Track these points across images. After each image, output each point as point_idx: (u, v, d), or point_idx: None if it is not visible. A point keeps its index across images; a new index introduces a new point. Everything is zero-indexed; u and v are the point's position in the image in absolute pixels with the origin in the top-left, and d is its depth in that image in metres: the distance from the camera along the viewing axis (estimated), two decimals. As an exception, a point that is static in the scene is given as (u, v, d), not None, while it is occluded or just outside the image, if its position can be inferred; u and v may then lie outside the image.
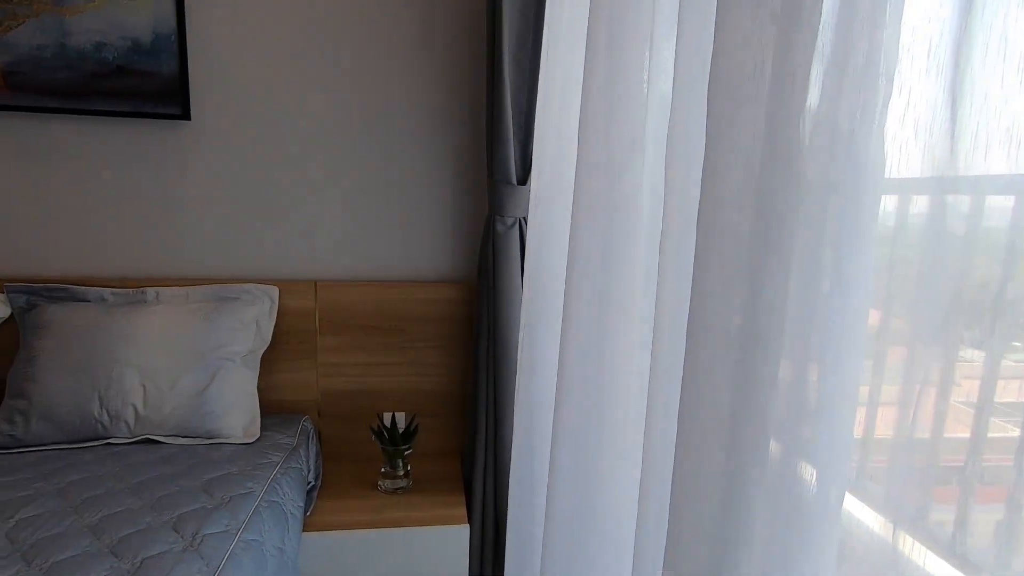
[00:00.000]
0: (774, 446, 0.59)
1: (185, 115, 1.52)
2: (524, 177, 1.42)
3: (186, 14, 1.49)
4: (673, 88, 0.65)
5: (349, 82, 1.59)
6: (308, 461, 1.49)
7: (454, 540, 1.44)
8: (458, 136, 1.65)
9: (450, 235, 1.70)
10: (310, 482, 1.48)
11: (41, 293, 1.50)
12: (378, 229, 1.67)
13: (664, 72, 0.80)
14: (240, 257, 1.63)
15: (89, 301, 1.50)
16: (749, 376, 0.57)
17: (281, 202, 1.62)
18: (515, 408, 1.28)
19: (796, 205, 0.50)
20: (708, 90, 0.54)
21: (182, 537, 1.06)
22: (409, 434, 1.54)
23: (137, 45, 1.48)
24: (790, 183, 0.49)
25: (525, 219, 1.46)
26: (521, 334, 1.25)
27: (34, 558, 0.98)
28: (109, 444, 1.38)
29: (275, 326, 1.59)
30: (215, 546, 1.05)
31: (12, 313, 1.49)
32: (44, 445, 1.36)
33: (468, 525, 1.44)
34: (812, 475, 0.58)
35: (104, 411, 1.37)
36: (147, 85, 1.49)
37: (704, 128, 0.58)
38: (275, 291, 1.60)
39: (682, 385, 0.62)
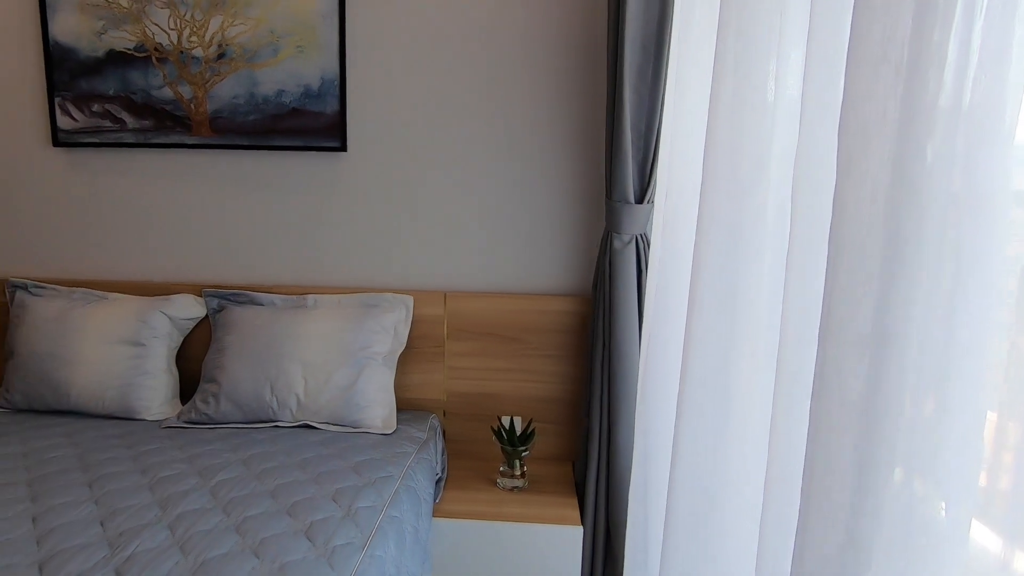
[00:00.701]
0: (900, 467, 0.61)
1: (343, 147, 1.77)
2: (642, 196, 1.49)
3: (347, 64, 1.74)
4: (801, 114, 0.71)
5: (480, 113, 1.76)
6: (436, 455, 1.65)
7: (567, 540, 1.51)
8: (577, 158, 1.76)
9: (567, 251, 1.80)
10: (438, 474, 1.63)
11: (228, 297, 1.81)
12: (502, 245, 1.81)
13: (787, 95, 0.85)
14: (382, 269, 1.85)
15: (263, 305, 1.78)
16: (880, 384, 0.60)
17: (418, 221, 1.82)
18: (636, 417, 1.34)
19: (924, 222, 0.53)
20: (839, 129, 0.59)
21: (340, 507, 1.24)
22: (526, 437, 1.65)
23: (308, 91, 1.76)
24: (918, 202, 0.53)
25: (642, 236, 1.53)
26: (642, 346, 1.31)
27: (231, 512, 1.19)
28: (277, 426, 1.63)
29: (410, 331, 1.79)
30: (366, 518, 1.22)
31: (207, 313, 1.81)
32: (228, 423, 1.64)
33: (581, 527, 1.51)
34: (939, 496, 0.59)
35: (274, 398, 1.62)
36: (315, 123, 1.76)
37: (829, 151, 0.63)
38: (410, 300, 1.79)
39: (812, 394, 0.66)
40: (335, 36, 1.72)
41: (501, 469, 1.67)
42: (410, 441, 1.60)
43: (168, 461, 1.40)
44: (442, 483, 1.66)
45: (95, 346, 1.68)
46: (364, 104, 1.78)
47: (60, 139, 1.81)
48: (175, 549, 1.06)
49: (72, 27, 1.76)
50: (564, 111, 1.74)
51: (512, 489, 1.65)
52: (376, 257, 1.85)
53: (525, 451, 1.64)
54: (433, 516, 1.52)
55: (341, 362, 1.65)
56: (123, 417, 1.66)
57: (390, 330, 1.73)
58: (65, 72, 1.78)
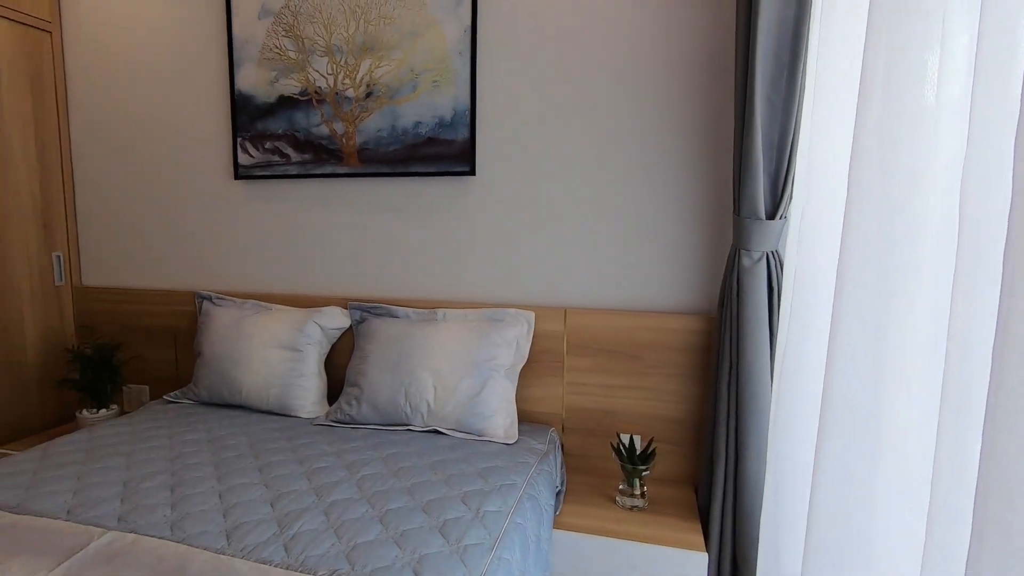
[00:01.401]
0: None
1: (472, 171, 1.90)
2: (774, 212, 1.44)
3: (477, 95, 1.88)
4: (970, 118, 0.66)
5: (601, 132, 1.80)
6: (556, 467, 1.69)
7: (691, 565, 1.47)
8: (700, 173, 1.73)
9: (690, 268, 1.77)
10: (557, 486, 1.66)
11: (369, 310, 2.00)
12: (622, 263, 1.83)
13: (951, 94, 0.79)
14: (506, 286, 1.94)
15: (399, 317, 1.95)
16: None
17: (541, 240, 1.89)
18: (768, 442, 1.28)
19: None
20: (1017, 135, 0.55)
21: (469, 509, 1.31)
22: (647, 456, 1.63)
23: (442, 121, 1.91)
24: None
25: (774, 253, 1.47)
26: (775, 368, 1.26)
27: (375, 504, 1.32)
28: (409, 430, 1.76)
29: (531, 346, 1.85)
30: (493, 521, 1.28)
31: (351, 324, 2.01)
32: (368, 424, 1.80)
33: (706, 553, 1.46)
34: None
35: (408, 403, 1.76)
36: (447, 150, 1.91)
37: (1003, 160, 0.59)
38: (531, 315, 1.86)
39: (985, 422, 0.61)
40: (467, 70, 1.86)
41: (620, 487, 1.67)
42: (531, 452, 1.65)
43: (320, 454, 1.57)
44: (561, 496, 1.69)
45: (261, 350, 1.93)
46: (491, 131, 1.89)
47: (240, 173, 2.13)
48: (330, 532, 1.20)
49: (251, 78, 2.08)
50: (687, 125, 1.73)
51: (631, 508, 1.63)
52: (501, 274, 1.95)
53: (646, 470, 1.62)
54: (553, 527, 1.55)
55: (467, 372, 1.76)
56: (282, 413, 1.90)
57: (512, 344, 1.81)
58: (245, 116, 2.10)
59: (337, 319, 2.01)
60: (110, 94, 2.26)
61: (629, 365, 1.81)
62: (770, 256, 1.47)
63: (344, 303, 2.07)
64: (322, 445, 1.64)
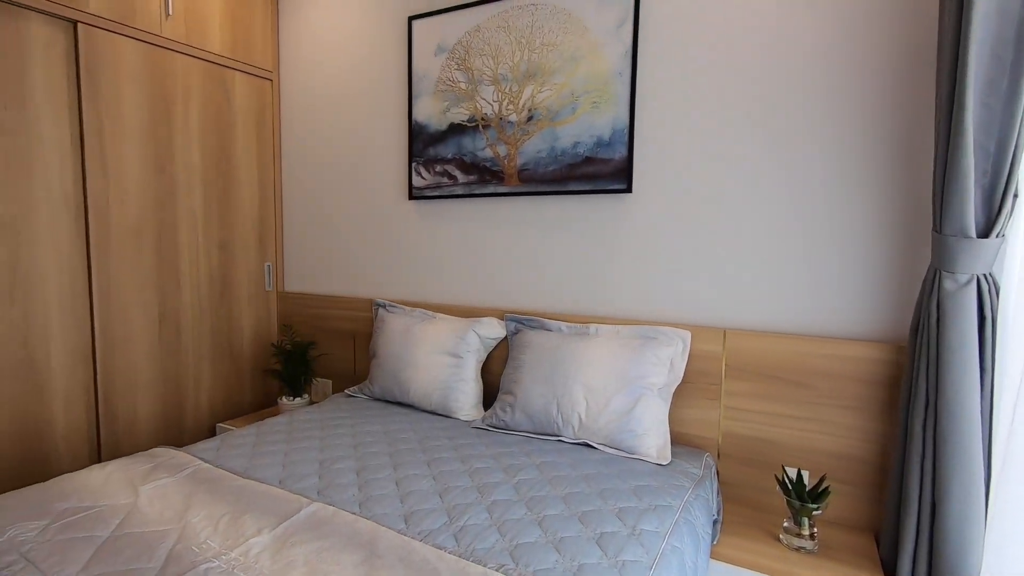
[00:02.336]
0: None
1: (628, 189, 1.92)
2: (987, 229, 1.26)
3: (635, 114, 1.90)
4: None
5: (766, 140, 1.71)
6: (712, 494, 1.61)
7: (873, 624, 1.32)
8: (888, 184, 1.57)
9: (872, 291, 1.61)
10: (714, 515, 1.59)
11: (523, 322, 2.09)
12: (789, 282, 1.71)
13: None
14: (661, 303, 1.91)
15: (552, 330, 2.01)
16: None
17: (699, 257, 1.84)
18: (990, 496, 1.11)
19: None
20: None
21: (624, 525, 1.31)
22: (819, 494, 1.50)
23: (600, 140, 1.96)
24: None
25: (987, 276, 1.28)
26: (993, 410, 1.09)
27: (533, 507, 1.37)
28: (560, 440, 1.81)
29: (686, 366, 1.80)
30: (650, 541, 1.26)
31: (506, 334, 2.13)
32: (520, 431, 1.88)
33: (892, 612, 1.30)
34: None
35: (559, 414, 1.81)
36: (604, 169, 1.95)
37: None
38: (687, 335, 1.81)
39: None
40: (626, 91, 1.89)
41: (785, 525, 1.55)
42: (685, 476, 1.60)
43: (479, 455, 1.67)
44: (718, 525, 1.61)
45: (427, 355, 2.12)
46: (649, 148, 1.90)
47: (413, 194, 2.37)
48: (493, 529, 1.28)
49: (426, 109, 2.31)
50: (875, 131, 1.58)
51: (798, 549, 1.51)
52: (656, 291, 1.93)
53: (817, 510, 1.49)
54: (711, 558, 1.49)
55: (619, 389, 1.76)
56: (443, 414, 2.06)
57: (666, 363, 1.78)
58: (419, 143, 2.34)
59: (494, 329, 2.13)
60: (311, 128, 2.65)
61: (796, 393, 1.68)
62: (982, 280, 1.28)
63: (501, 314, 2.19)
64: (480, 447, 1.75)
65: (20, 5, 1.83)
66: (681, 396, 1.83)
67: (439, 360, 2.09)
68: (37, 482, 1.96)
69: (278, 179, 2.76)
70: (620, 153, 1.93)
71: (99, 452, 2.12)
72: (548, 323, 2.03)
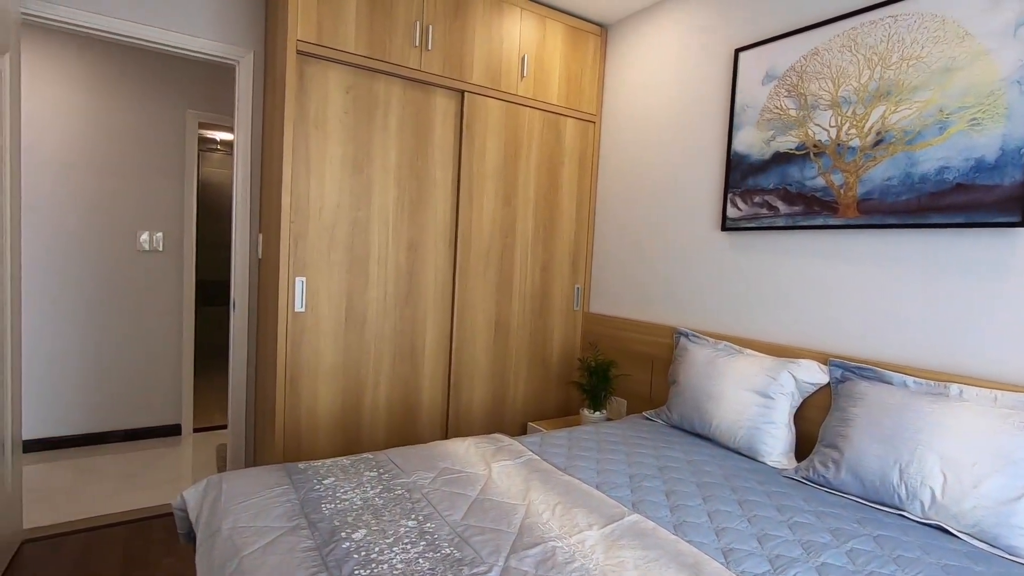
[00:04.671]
0: None
1: (1021, 223, 1.54)
2: None
3: None
4: None
5: None
6: None
7: None
8: None
9: None
10: None
11: (853, 370, 1.86)
12: None
13: None
14: (1071, 370, 1.48)
15: (893, 384, 1.74)
16: None
17: None
18: None
19: None
20: None
21: (1012, 643, 1.05)
22: None
23: (980, 164, 1.63)
24: None
25: None
26: None
27: (874, 584, 1.21)
28: (902, 515, 1.54)
29: (1115, 458, 1.35)
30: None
31: (829, 381, 1.92)
32: (847, 493, 1.67)
33: None
34: None
35: (903, 484, 1.55)
36: (985, 198, 1.61)
37: None
38: (1119, 417, 1.36)
39: None
40: (1029, 101, 1.54)
41: None
42: (1111, 607, 1.19)
43: (798, 509, 1.55)
44: None
45: (733, 390, 2.06)
46: (1063, 171, 1.49)
47: (727, 225, 2.35)
48: (826, 594, 1.17)
49: (747, 139, 2.27)
50: None
51: None
52: (1054, 353, 1.50)
53: None
54: None
55: (996, 469, 1.42)
56: (749, 455, 1.96)
57: (1078, 449, 1.36)
58: (737, 173, 2.31)
59: (814, 374, 1.95)
60: (625, 161, 2.86)
61: None
62: None
63: (820, 357, 1.99)
64: (797, 499, 1.61)
65: (432, 84, 2.47)
66: (1102, 498, 1.37)
67: (746, 398, 2.01)
68: (410, 439, 2.56)
69: (592, 208, 3.05)
70: (1012, 178, 1.57)
71: (447, 425, 2.66)
72: (888, 375, 1.76)
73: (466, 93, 2.55)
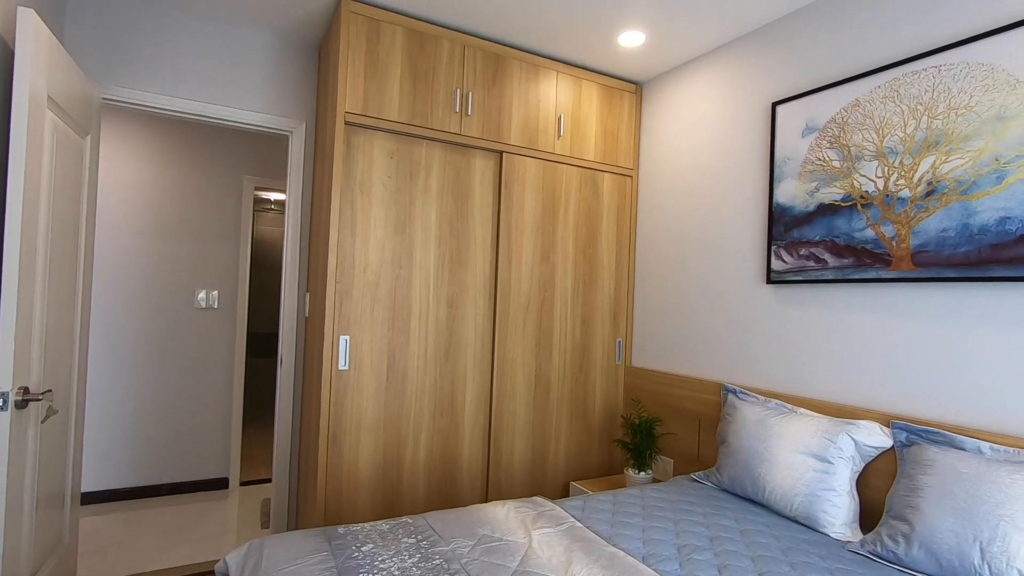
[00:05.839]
0: None
1: (1100, 276, 1.44)
2: None
3: (1113, 174, 1.43)
4: None
5: None
6: None
7: None
8: None
9: None
10: None
11: (920, 433, 1.73)
12: None
13: None
14: None
15: (967, 451, 1.60)
16: None
17: None
18: None
19: None
20: None
21: None
22: None
23: (1045, 214, 1.54)
24: None
25: None
26: None
27: None
28: (988, 601, 1.39)
29: None
30: None
31: (893, 445, 1.79)
32: (920, 572, 1.52)
33: None
34: None
35: (985, 564, 1.40)
36: (1054, 250, 1.52)
37: None
38: None
39: None
40: (1094, 148, 1.46)
41: None
42: None
43: (866, 590, 1.42)
44: None
45: (787, 453, 1.94)
46: None
47: (772, 278, 2.28)
48: None
49: (790, 191, 2.23)
50: None
51: None
52: None
53: None
54: None
55: (1096, 552, 1.27)
56: (807, 525, 1.83)
57: None
58: (781, 225, 2.26)
59: (876, 436, 1.82)
60: (664, 215, 2.85)
61: None
62: None
63: (880, 418, 1.86)
64: (865, 579, 1.48)
65: (472, 147, 2.55)
66: None
67: (802, 462, 1.89)
68: (450, 495, 2.52)
69: (632, 262, 3.03)
70: (1083, 229, 1.47)
71: (487, 481, 2.61)
72: (960, 440, 1.63)
73: (504, 154, 2.63)
